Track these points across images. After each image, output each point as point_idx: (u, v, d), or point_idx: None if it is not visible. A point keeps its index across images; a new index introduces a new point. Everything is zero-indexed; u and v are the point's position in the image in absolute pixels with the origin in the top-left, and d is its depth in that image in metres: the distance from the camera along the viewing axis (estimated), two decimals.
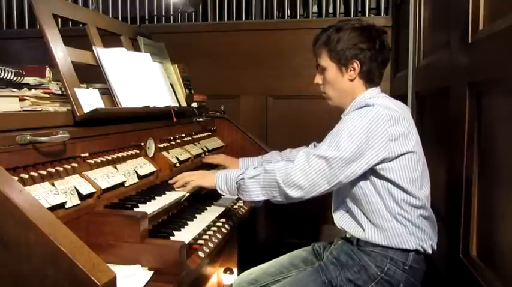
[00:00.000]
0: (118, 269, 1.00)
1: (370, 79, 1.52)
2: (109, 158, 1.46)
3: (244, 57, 3.14)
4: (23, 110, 1.30)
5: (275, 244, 2.79)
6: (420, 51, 2.09)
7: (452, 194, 1.47)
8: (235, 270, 2.22)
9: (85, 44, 1.71)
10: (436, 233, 1.48)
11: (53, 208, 1.12)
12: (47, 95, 1.45)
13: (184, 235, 1.41)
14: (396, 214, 1.40)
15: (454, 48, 1.45)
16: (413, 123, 1.47)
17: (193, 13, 3.31)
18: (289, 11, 3.20)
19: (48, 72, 1.54)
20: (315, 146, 1.90)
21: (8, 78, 1.41)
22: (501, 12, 1.08)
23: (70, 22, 2.79)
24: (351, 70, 1.50)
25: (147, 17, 3.40)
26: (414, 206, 1.41)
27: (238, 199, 1.82)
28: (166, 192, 1.61)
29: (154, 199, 1.51)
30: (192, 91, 2.29)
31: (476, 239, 1.27)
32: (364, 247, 1.44)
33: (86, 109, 1.44)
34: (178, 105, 2.11)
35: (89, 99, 1.49)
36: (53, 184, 1.19)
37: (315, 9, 3.19)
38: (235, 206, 1.82)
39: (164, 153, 1.85)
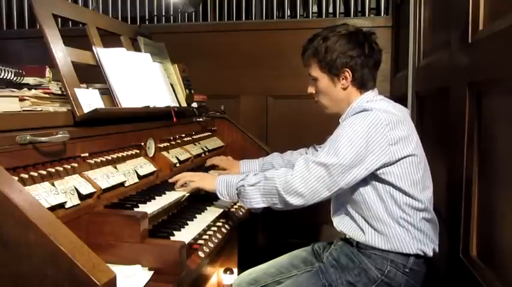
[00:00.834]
0: (118, 269, 1.00)
1: (363, 85, 1.50)
2: (109, 158, 1.46)
3: (244, 57, 3.14)
4: (23, 110, 1.30)
5: (275, 244, 2.79)
6: (420, 51, 2.09)
7: (452, 194, 1.47)
8: (235, 270, 2.22)
9: (85, 44, 1.71)
10: (438, 235, 1.47)
11: (53, 208, 1.12)
12: (47, 95, 1.45)
13: (184, 235, 1.41)
14: (398, 217, 1.39)
15: (454, 48, 1.45)
16: (413, 125, 1.46)
17: (193, 13, 3.30)
18: (289, 11, 3.20)
19: (48, 72, 1.54)
20: (314, 148, 1.90)
21: (8, 78, 1.41)
22: (501, 12, 1.08)
23: (70, 22, 2.79)
24: (343, 79, 1.49)
25: (147, 17, 3.40)
26: (417, 209, 1.40)
27: None
28: (166, 192, 1.61)
29: (154, 199, 1.51)
30: (192, 91, 2.29)
31: (476, 239, 1.27)
32: (365, 249, 1.43)
33: (86, 109, 1.44)
34: (178, 105, 2.11)
35: (89, 99, 1.49)
36: (53, 184, 1.19)
37: (315, 9, 3.19)
38: (235, 206, 1.82)
39: (164, 153, 1.85)
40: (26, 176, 1.12)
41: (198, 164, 2.10)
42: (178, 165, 1.90)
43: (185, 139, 2.10)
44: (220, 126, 2.58)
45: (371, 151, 1.34)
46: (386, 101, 1.49)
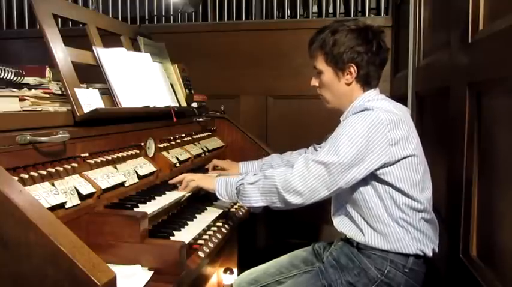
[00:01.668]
0: (118, 269, 1.00)
1: (367, 82, 1.49)
2: (109, 158, 1.46)
3: (244, 57, 3.14)
4: (23, 110, 1.30)
5: (275, 244, 2.79)
6: (420, 51, 2.09)
7: (452, 194, 1.47)
8: (235, 270, 2.22)
9: (85, 44, 1.71)
10: (438, 236, 1.47)
11: (53, 208, 1.12)
12: (47, 95, 1.45)
13: (184, 235, 1.41)
14: (398, 218, 1.39)
15: (454, 48, 1.45)
16: (413, 125, 1.46)
17: (193, 13, 3.30)
18: (289, 11, 3.20)
19: (48, 72, 1.54)
20: (314, 147, 1.90)
21: (8, 78, 1.41)
22: (501, 12, 1.08)
23: (70, 22, 2.79)
24: (347, 74, 1.48)
25: (147, 17, 3.40)
26: (416, 209, 1.40)
27: None
28: (166, 192, 1.61)
29: (154, 199, 1.51)
30: (192, 91, 2.29)
31: (476, 239, 1.27)
32: (364, 249, 1.43)
33: (86, 109, 1.44)
34: (178, 105, 2.11)
35: (89, 99, 1.49)
36: (53, 184, 1.19)
37: (315, 9, 3.19)
38: (236, 206, 1.82)
39: (164, 153, 1.85)
40: (26, 176, 1.11)
41: (198, 165, 2.10)
42: (178, 165, 1.90)
43: (185, 139, 2.10)
44: (220, 126, 2.58)
45: (371, 151, 1.33)
46: (388, 101, 1.48)
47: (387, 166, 1.36)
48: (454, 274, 1.43)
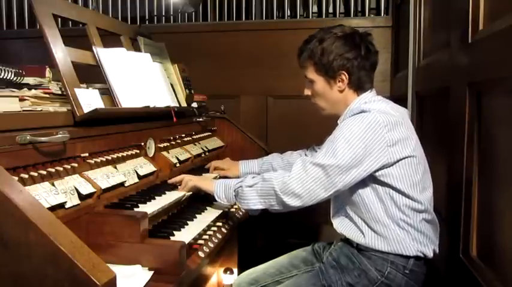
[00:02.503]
0: (118, 269, 1.00)
1: (360, 87, 1.49)
2: (109, 158, 1.46)
3: (244, 57, 3.14)
4: (23, 110, 1.30)
5: (275, 244, 2.79)
6: (420, 51, 2.09)
7: (452, 194, 1.47)
8: (235, 270, 2.22)
9: (85, 44, 1.71)
10: (438, 236, 1.47)
11: (53, 208, 1.12)
12: (47, 95, 1.45)
13: (184, 235, 1.41)
14: (398, 219, 1.38)
15: (454, 48, 1.45)
16: (412, 126, 1.45)
17: (193, 13, 3.30)
18: (289, 11, 3.20)
19: (48, 72, 1.54)
20: (313, 149, 1.90)
21: (8, 78, 1.41)
22: (501, 12, 1.08)
23: (70, 22, 2.79)
24: (339, 81, 1.48)
25: (147, 17, 3.40)
26: (416, 210, 1.39)
27: None
28: (166, 192, 1.61)
29: (154, 199, 1.51)
30: (192, 91, 2.29)
31: (476, 239, 1.27)
32: (365, 250, 1.42)
33: (86, 109, 1.44)
34: (178, 105, 2.11)
35: (89, 99, 1.49)
36: (53, 184, 1.19)
37: (315, 9, 3.19)
38: (235, 207, 1.82)
39: (164, 153, 1.85)
40: (26, 176, 1.11)
41: (198, 165, 2.10)
42: (178, 165, 1.90)
43: (185, 139, 2.10)
44: (220, 126, 2.58)
45: (369, 153, 1.33)
46: (385, 102, 1.48)
47: (386, 167, 1.36)
48: (454, 274, 1.43)
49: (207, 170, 2.07)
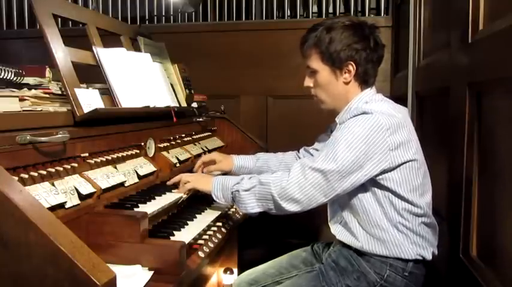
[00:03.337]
0: (118, 269, 1.00)
1: (365, 80, 1.45)
2: (109, 158, 1.46)
3: (244, 57, 3.14)
4: (23, 110, 1.30)
5: (275, 244, 2.79)
6: (420, 51, 2.09)
7: (453, 194, 1.47)
8: (235, 270, 2.22)
9: (85, 44, 1.71)
10: (437, 238, 1.45)
11: (53, 208, 1.12)
12: (47, 95, 1.45)
13: (184, 235, 1.40)
14: (397, 223, 1.36)
15: (454, 48, 1.45)
16: (413, 127, 1.42)
17: (193, 13, 3.30)
18: (289, 11, 3.20)
19: (48, 72, 1.54)
20: (305, 150, 1.85)
21: (8, 78, 1.41)
22: (501, 12, 1.08)
23: (70, 22, 2.79)
24: (345, 73, 1.42)
25: (147, 17, 3.40)
26: (416, 214, 1.37)
27: None
28: (166, 192, 1.61)
29: (154, 199, 1.51)
30: (192, 91, 2.29)
31: (476, 239, 1.27)
32: (364, 253, 1.41)
33: (86, 109, 1.43)
34: (178, 105, 2.11)
35: (89, 99, 1.49)
36: (53, 184, 1.19)
37: (315, 9, 3.19)
38: (235, 207, 1.81)
39: (164, 153, 1.85)
40: (26, 176, 1.11)
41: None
42: (178, 165, 1.90)
43: (185, 139, 2.10)
44: (220, 126, 2.58)
45: (371, 157, 1.29)
46: (386, 102, 1.45)
47: (387, 172, 1.33)
48: (454, 274, 1.43)
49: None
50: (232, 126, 2.59)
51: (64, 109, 1.44)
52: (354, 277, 1.39)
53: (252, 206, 1.43)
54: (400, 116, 1.36)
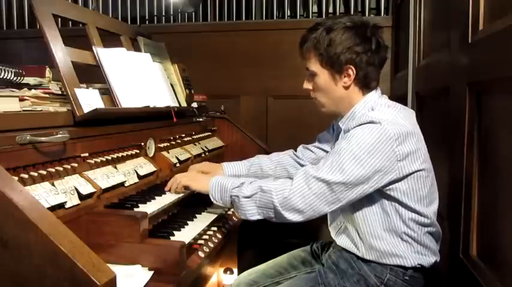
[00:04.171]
0: (118, 269, 1.00)
1: (366, 84, 1.39)
2: (109, 158, 1.46)
3: (244, 57, 3.14)
4: (23, 110, 1.30)
5: (275, 244, 2.79)
6: (420, 51, 2.09)
7: (453, 194, 1.47)
8: (235, 270, 2.22)
9: (85, 44, 1.71)
10: (439, 245, 1.42)
11: (53, 208, 1.13)
12: (47, 95, 1.45)
13: (184, 235, 1.41)
14: (402, 233, 1.32)
15: (454, 48, 1.45)
16: (420, 132, 1.37)
17: (193, 13, 3.31)
18: (289, 11, 3.20)
19: (48, 72, 1.54)
20: (304, 147, 1.83)
21: (8, 78, 1.41)
22: (501, 12, 1.08)
23: (70, 22, 2.79)
24: (345, 76, 1.37)
25: (147, 17, 3.40)
26: (422, 224, 1.34)
27: None
28: (167, 192, 1.61)
29: (154, 199, 1.51)
30: (192, 91, 2.29)
31: (476, 239, 1.27)
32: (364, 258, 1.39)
33: (86, 109, 1.44)
34: (178, 105, 2.11)
35: (89, 99, 1.49)
36: (53, 184, 1.19)
37: (315, 9, 3.19)
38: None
39: (164, 153, 1.85)
40: (26, 176, 1.12)
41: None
42: (178, 165, 1.89)
43: (185, 139, 2.10)
44: (220, 127, 2.58)
45: (378, 169, 1.24)
46: (393, 108, 1.36)
47: (394, 182, 1.28)
48: (454, 274, 1.43)
49: None
50: (232, 126, 2.59)
51: (64, 109, 1.44)
52: (354, 280, 1.38)
53: (252, 213, 1.39)
54: (408, 123, 1.31)
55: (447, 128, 1.54)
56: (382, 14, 3.03)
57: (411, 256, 1.34)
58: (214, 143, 2.43)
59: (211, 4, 3.37)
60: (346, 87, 1.39)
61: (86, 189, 1.28)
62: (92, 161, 1.38)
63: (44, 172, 1.17)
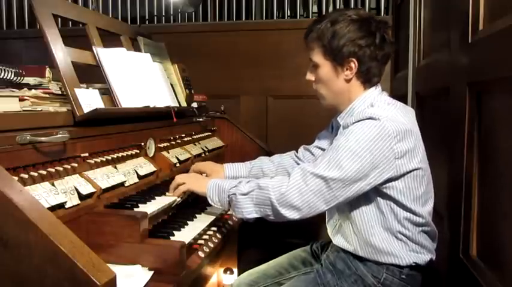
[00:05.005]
0: (118, 269, 1.00)
1: (368, 79, 1.38)
2: (109, 158, 1.46)
3: (244, 57, 3.14)
4: (23, 110, 1.30)
5: (275, 244, 2.79)
6: (420, 51, 2.09)
7: (453, 194, 1.47)
8: (235, 270, 2.22)
9: (85, 44, 1.71)
10: (436, 243, 1.43)
11: (53, 208, 1.13)
12: (47, 95, 1.45)
13: (185, 235, 1.41)
14: (397, 232, 1.33)
15: (454, 48, 1.45)
16: (419, 131, 1.37)
17: (193, 13, 3.31)
18: (289, 11, 3.20)
19: (48, 72, 1.54)
20: (305, 148, 1.83)
21: (8, 78, 1.41)
22: (501, 12, 1.08)
23: (70, 22, 2.79)
24: (347, 69, 1.36)
25: (147, 17, 3.40)
26: (416, 224, 1.34)
27: None
28: (166, 192, 1.61)
29: (155, 199, 1.51)
30: (192, 91, 2.29)
31: (476, 239, 1.27)
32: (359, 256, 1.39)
33: (86, 109, 1.44)
34: (178, 105, 2.11)
35: (89, 99, 1.49)
36: (53, 184, 1.19)
37: (315, 9, 3.19)
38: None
39: (164, 153, 1.85)
40: (26, 176, 1.11)
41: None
42: (178, 165, 1.89)
43: (185, 139, 2.10)
44: (220, 127, 2.58)
45: (376, 166, 1.24)
46: (393, 106, 1.37)
47: (391, 181, 1.29)
48: (454, 274, 1.43)
49: None
50: (232, 126, 2.59)
51: (64, 109, 1.44)
52: (352, 280, 1.38)
53: (249, 211, 1.37)
54: (407, 121, 1.31)
55: (447, 128, 1.54)
56: (382, 14, 3.03)
57: (406, 254, 1.34)
58: (214, 143, 2.43)
59: (211, 4, 3.37)
60: (348, 81, 1.39)
61: (86, 189, 1.28)
62: (92, 161, 1.38)
63: (44, 172, 1.17)
